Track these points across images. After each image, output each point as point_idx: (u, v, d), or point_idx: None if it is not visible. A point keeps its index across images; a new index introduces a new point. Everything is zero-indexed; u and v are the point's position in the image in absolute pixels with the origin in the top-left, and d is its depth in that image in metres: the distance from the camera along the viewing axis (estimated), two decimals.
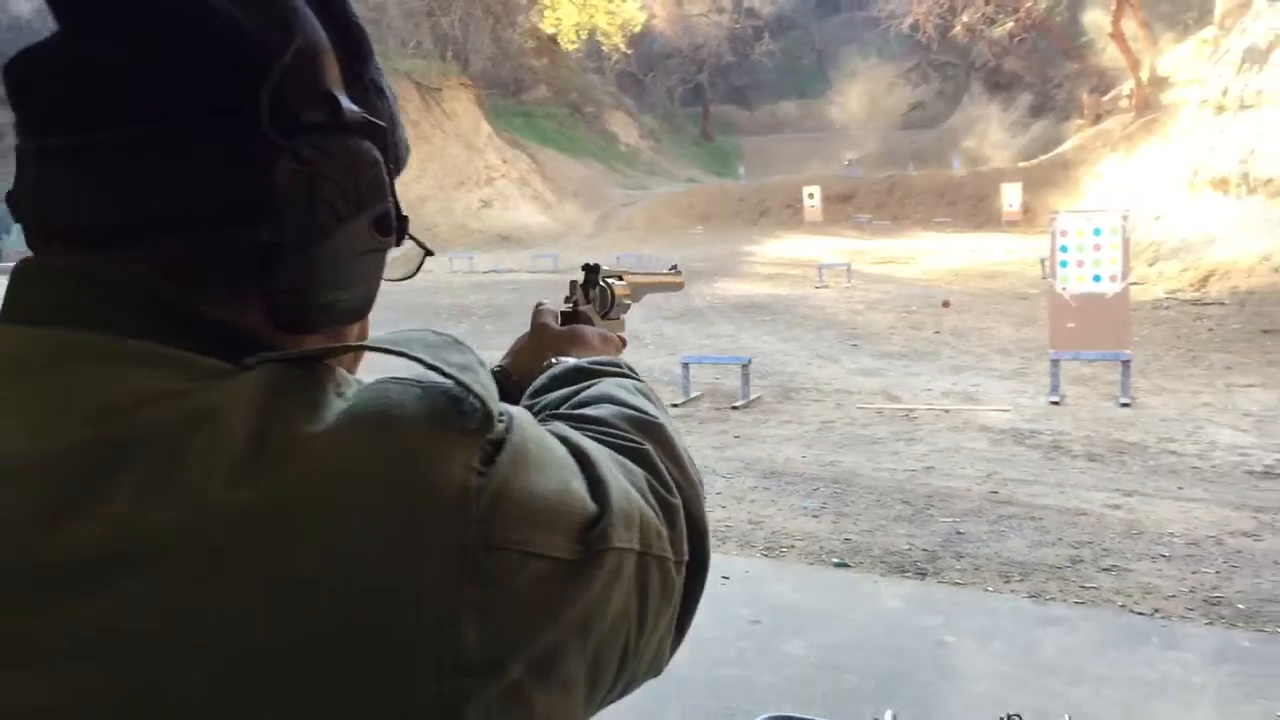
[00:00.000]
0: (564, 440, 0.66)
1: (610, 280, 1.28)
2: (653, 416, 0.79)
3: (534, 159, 37.04)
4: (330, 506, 0.54)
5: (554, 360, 1.00)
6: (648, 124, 49.31)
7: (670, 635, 0.71)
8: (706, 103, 55.36)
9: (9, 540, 0.53)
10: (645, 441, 0.74)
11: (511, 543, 0.57)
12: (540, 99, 41.85)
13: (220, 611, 0.52)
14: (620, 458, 0.70)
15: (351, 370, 0.70)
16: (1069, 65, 39.61)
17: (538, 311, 1.18)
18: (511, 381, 1.08)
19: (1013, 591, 4.83)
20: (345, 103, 0.65)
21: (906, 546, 5.50)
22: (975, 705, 3.72)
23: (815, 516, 6.14)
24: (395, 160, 0.73)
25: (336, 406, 0.58)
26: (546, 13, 43.09)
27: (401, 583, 0.54)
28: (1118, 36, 31.58)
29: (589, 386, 0.86)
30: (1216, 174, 18.02)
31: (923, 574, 5.12)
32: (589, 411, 0.78)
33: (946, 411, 9.07)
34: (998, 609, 4.62)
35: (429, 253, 0.83)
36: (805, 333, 14.01)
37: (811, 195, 32.53)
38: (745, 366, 9.67)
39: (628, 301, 1.31)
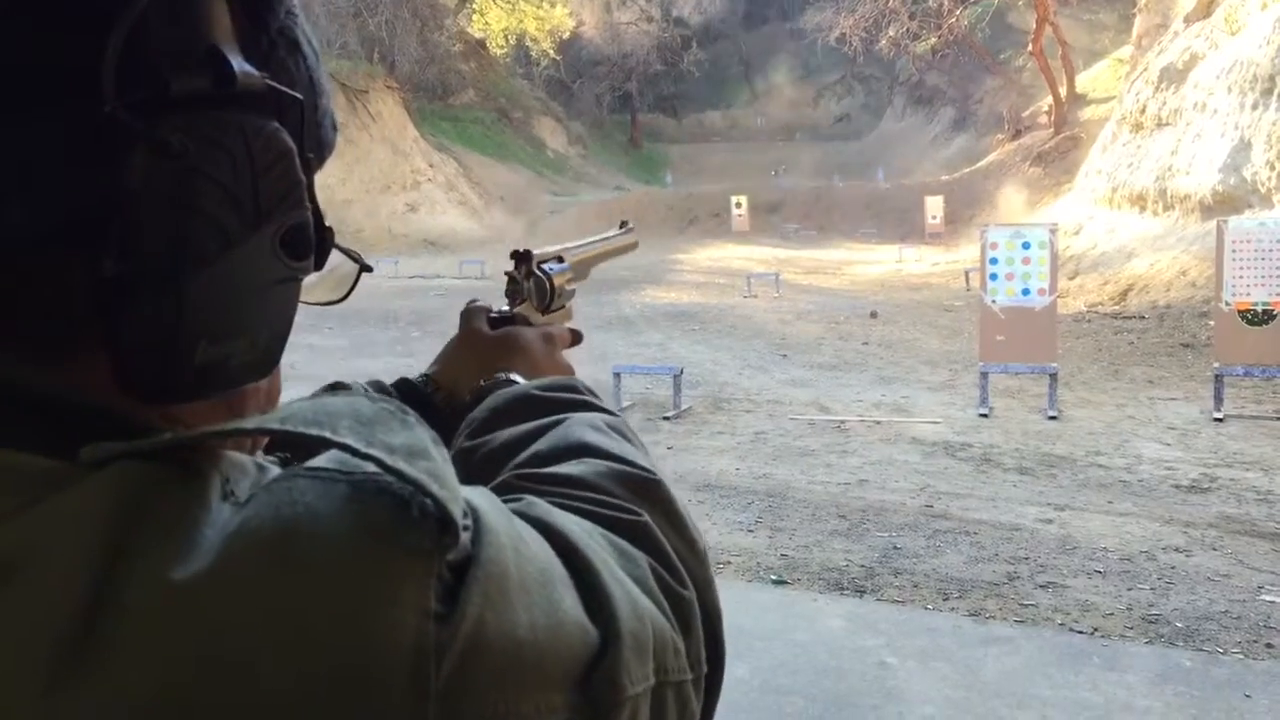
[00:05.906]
0: (545, 529, 0.49)
1: (547, 266, 1.05)
2: (646, 471, 0.62)
3: (461, 163, 36.65)
4: (207, 712, 0.36)
5: (498, 378, 0.85)
6: (576, 131, 49.19)
7: None
8: (634, 111, 55.51)
9: None
10: (642, 510, 0.57)
11: (491, 717, 0.40)
12: (468, 103, 41.47)
13: None
14: (615, 539, 0.54)
15: (254, 447, 0.51)
16: (990, 81, 40.36)
17: (467, 311, 0.97)
18: (439, 394, 0.91)
19: (952, 609, 4.77)
20: (238, 63, 0.45)
21: (844, 562, 5.42)
22: None
23: (750, 531, 6.04)
24: (318, 144, 0.53)
25: (223, 524, 0.40)
26: (475, 17, 42.84)
27: None
28: (1037, 54, 32.28)
29: (550, 426, 0.68)
30: (1134, 190, 18.44)
31: (861, 591, 5.04)
32: (563, 470, 0.60)
33: (878, 423, 9.06)
34: (939, 628, 4.55)
35: (366, 268, 0.63)
36: (735, 342, 13.97)
37: (739, 204, 32.77)
38: (677, 376, 9.57)
39: (572, 287, 1.09)
